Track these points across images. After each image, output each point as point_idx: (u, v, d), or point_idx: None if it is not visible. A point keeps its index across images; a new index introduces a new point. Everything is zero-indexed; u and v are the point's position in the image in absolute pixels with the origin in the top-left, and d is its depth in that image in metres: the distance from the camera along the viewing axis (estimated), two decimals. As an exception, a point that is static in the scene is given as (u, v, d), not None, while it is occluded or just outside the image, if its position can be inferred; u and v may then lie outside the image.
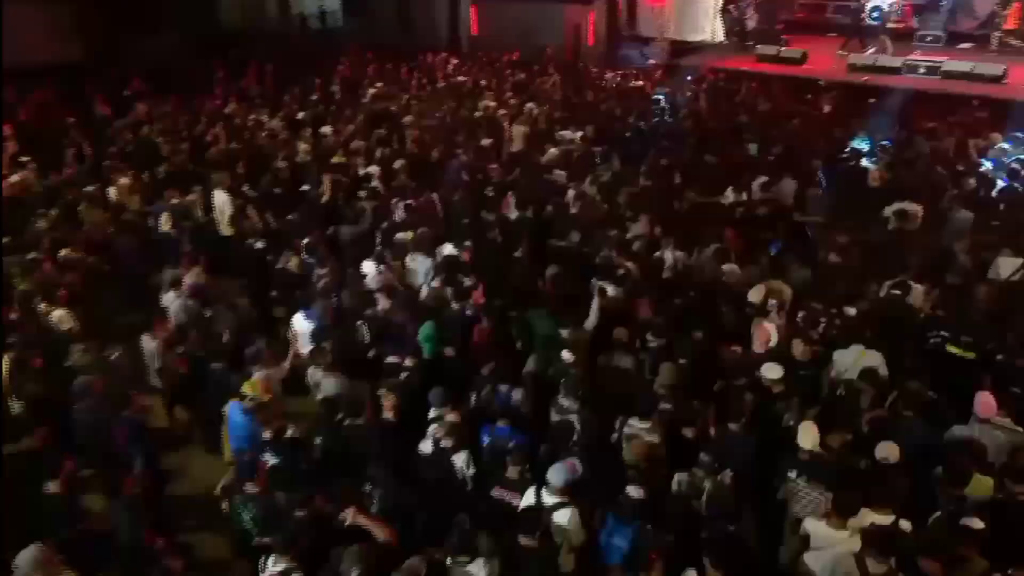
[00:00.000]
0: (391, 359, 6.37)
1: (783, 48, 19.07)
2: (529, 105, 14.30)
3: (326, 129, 12.97)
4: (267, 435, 5.74)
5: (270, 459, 5.61)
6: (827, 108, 14.52)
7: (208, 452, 7.01)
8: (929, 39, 19.54)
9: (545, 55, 18.92)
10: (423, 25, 25.09)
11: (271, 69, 18.04)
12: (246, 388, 5.99)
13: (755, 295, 7.43)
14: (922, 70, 16.76)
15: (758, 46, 19.43)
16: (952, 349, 6.65)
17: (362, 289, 7.70)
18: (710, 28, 21.62)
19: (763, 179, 10.25)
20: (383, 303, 7.44)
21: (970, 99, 14.75)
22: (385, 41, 24.06)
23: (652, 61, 19.37)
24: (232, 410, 6.09)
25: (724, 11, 21.51)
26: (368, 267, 8.23)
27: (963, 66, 16.42)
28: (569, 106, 14.41)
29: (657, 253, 8.39)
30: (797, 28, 21.47)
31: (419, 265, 8.36)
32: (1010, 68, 16.13)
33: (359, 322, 7.22)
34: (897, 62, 17.08)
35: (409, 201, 9.32)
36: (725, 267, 8.17)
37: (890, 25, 18.54)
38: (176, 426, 7.35)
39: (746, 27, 21.13)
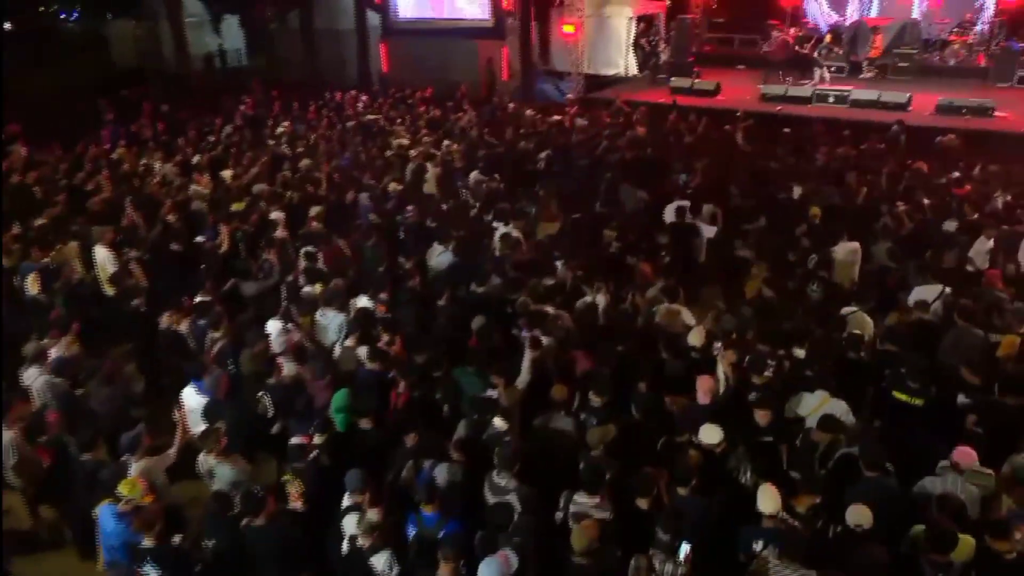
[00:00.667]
0: (295, 440, 5.49)
1: (696, 80, 19.24)
2: (446, 143, 13.71)
3: (226, 173, 12.01)
4: (147, 543, 4.78)
5: (150, 573, 4.66)
6: (740, 138, 14.49)
7: (82, 559, 5.93)
8: (833, 69, 20.12)
9: (459, 91, 18.44)
10: (332, 63, 24.43)
11: (166, 110, 16.91)
12: (122, 488, 5.01)
13: (696, 338, 6.94)
14: (831, 99, 17.13)
15: (672, 79, 19.56)
16: (899, 396, 6.27)
17: (264, 352, 6.79)
18: (623, 62, 21.74)
19: (678, 204, 9.95)
20: (288, 368, 6.57)
21: (878, 126, 15.03)
22: (292, 79, 23.25)
23: (569, 95, 19.20)
24: (103, 514, 5.10)
25: (636, 45, 21.68)
26: (273, 327, 7.34)
27: (870, 95, 16.87)
28: (486, 143, 13.87)
29: (588, 298, 7.81)
30: (707, 61, 21.83)
31: (330, 321, 7.53)
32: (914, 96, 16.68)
33: (260, 392, 6.31)
34: (808, 91, 17.41)
35: (309, 248, 8.46)
36: (662, 307, 7.67)
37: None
38: (42, 528, 6.24)
39: (659, 60, 21.35)
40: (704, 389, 6.04)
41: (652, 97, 18.57)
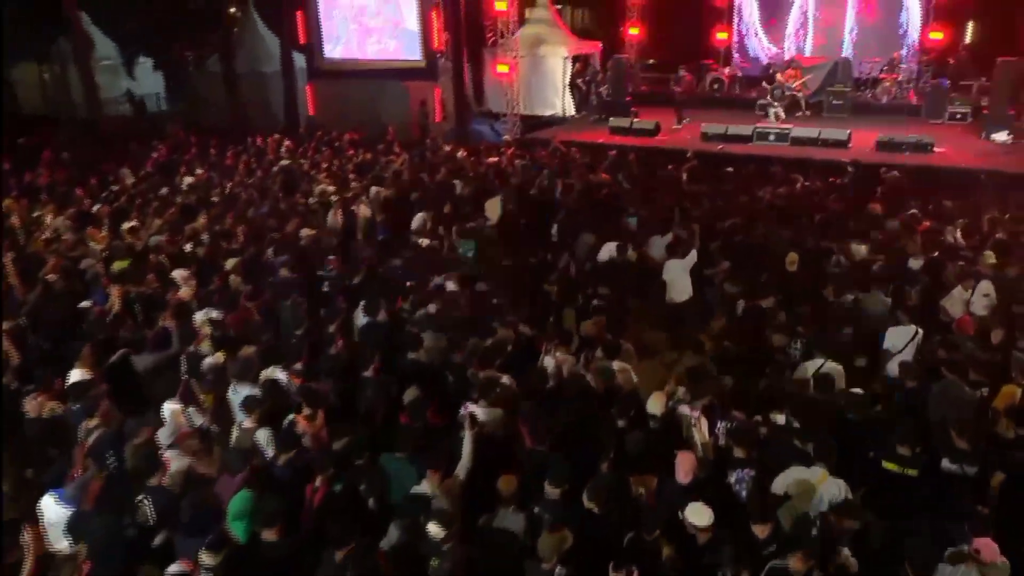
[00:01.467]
0: (175, 569, 4.40)
1: (635, 119, 18.94)
2: (375, 189, 12.83)
3: (129, 225, 10.80)
4: None
5: None
6: (684, 177, 14.06)
7: None
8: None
9: (389, 134, 17.63)
10: (258, 106, 23.36)
11: (67, 157, 15.56)
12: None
13: (656, 405, 6.12)
14: (772, 137, 16.96)
15: (610, 119, 19.22)
16: (890, 467, 5.56)
17: (148, 444, 5.65)
18: (560, 103, 21.40)
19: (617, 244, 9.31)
20: (177, 463, 5.46)
21: (821, 164, 14.84)
22: (214, 124, 22.13)
23: (505, 137, 18.61)
24: None
25: (572, 85, 21.37)
26: (170, 409, 6.21)
27: (811, 132, 16.78)
28: (421, 186, 13.06)
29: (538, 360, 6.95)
30: (643, 101, 21.62)
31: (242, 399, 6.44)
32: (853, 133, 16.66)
33: (140, 496, 5.18)
34: (748, 130, 17.21)
35: (213, 313, 7.38)
36: (615, 365, 6.86)
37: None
38: None
39: (596, 100, 21.07)
40: (685, 468, 5.20)
41: (590, 137, 18.15)
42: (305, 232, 9.84)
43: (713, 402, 5.99)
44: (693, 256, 8.93)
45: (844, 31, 21.81)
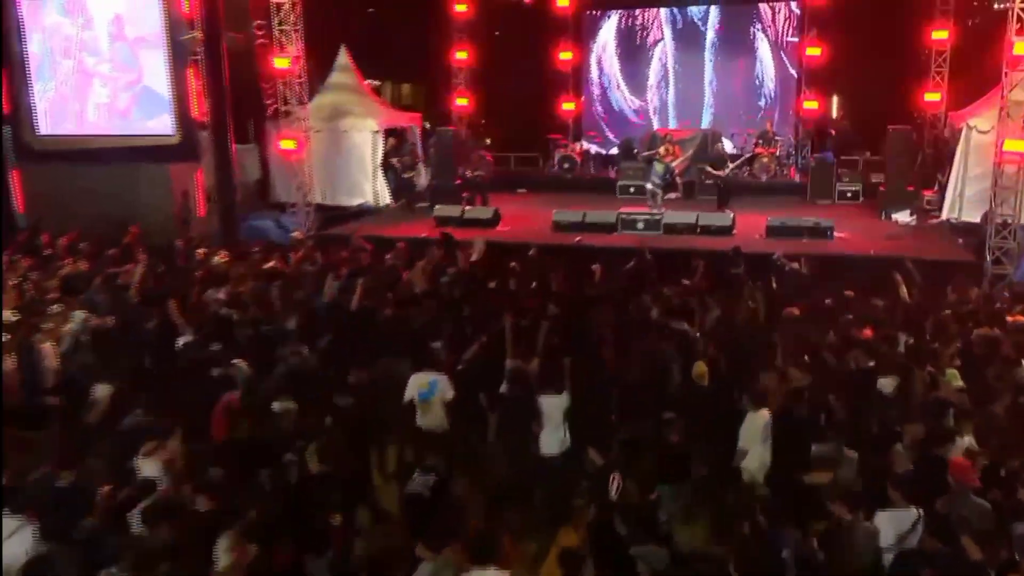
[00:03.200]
0: None
1: (468, 208, 17.43)
2: (81, 315, 10.15)
3: None
4: None
5: None
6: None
7: None
8: (632, 190, 19.34)
9: (129, 235, 14.82)
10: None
11: None
12: None
13: None
14: (640, 225, 15.84)
15: (435, 207, 17.58)
16: None
17: None
18: (371, 188, 19.55)
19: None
20: None
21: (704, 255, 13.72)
22: None
23: (294, 233, 16.26)
24: None
25: (386, 166, 19.61)
26: None
27: (687, 217, 15.87)
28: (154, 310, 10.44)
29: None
30: (478, 185, 20.22)
31: None
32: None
33: None
34: (611, 216, 16.04)
35: None
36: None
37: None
38: None
39: (416, 185, 19.48)
40: None
41: (409, 231, 16.32)
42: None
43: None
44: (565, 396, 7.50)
45: (704, 83, 22.60)
